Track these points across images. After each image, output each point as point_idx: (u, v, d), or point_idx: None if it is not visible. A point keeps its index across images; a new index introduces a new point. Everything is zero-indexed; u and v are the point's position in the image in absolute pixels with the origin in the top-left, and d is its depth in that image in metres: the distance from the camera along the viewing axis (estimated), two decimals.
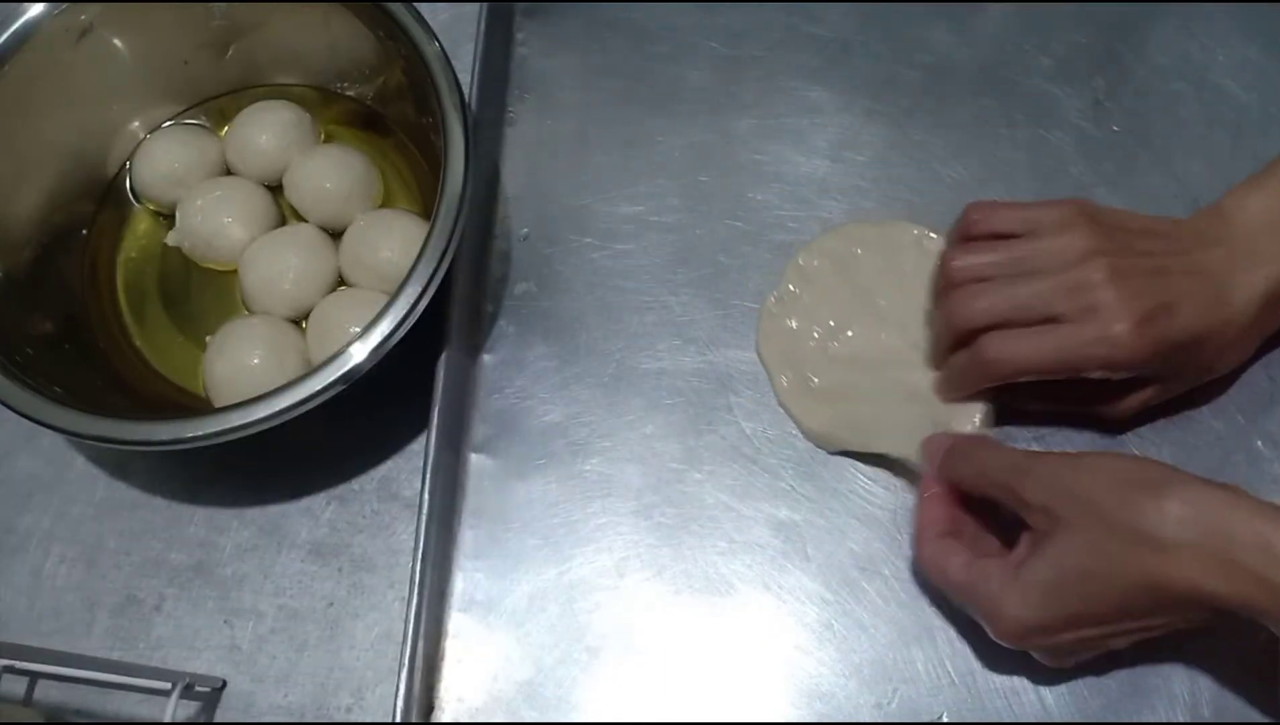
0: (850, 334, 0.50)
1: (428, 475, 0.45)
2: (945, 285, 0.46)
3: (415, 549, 0.44)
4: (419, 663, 0.43)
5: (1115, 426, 0.48)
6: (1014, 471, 0.41)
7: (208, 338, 0.50)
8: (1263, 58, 0.57)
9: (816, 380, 0.49)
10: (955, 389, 0.47)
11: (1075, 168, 0.54)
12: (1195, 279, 0.44)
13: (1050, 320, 0.43)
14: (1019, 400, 0.47)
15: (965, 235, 0.47)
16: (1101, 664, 0.44)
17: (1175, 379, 0.46)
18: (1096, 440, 0.49)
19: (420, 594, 0.43)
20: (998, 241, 0.45)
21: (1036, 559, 0.40)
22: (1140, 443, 0.48)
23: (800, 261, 0.52)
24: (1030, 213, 0.45)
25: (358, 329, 0.43)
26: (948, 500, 0.44)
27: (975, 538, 0.44)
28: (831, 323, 0.50)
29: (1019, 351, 0.43)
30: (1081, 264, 0.43)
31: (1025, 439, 0.49)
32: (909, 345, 0.49)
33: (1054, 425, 0.49)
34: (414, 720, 0.43)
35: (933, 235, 0.51)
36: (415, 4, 0.49)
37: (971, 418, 0.47)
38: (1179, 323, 0.43)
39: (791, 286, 0.51)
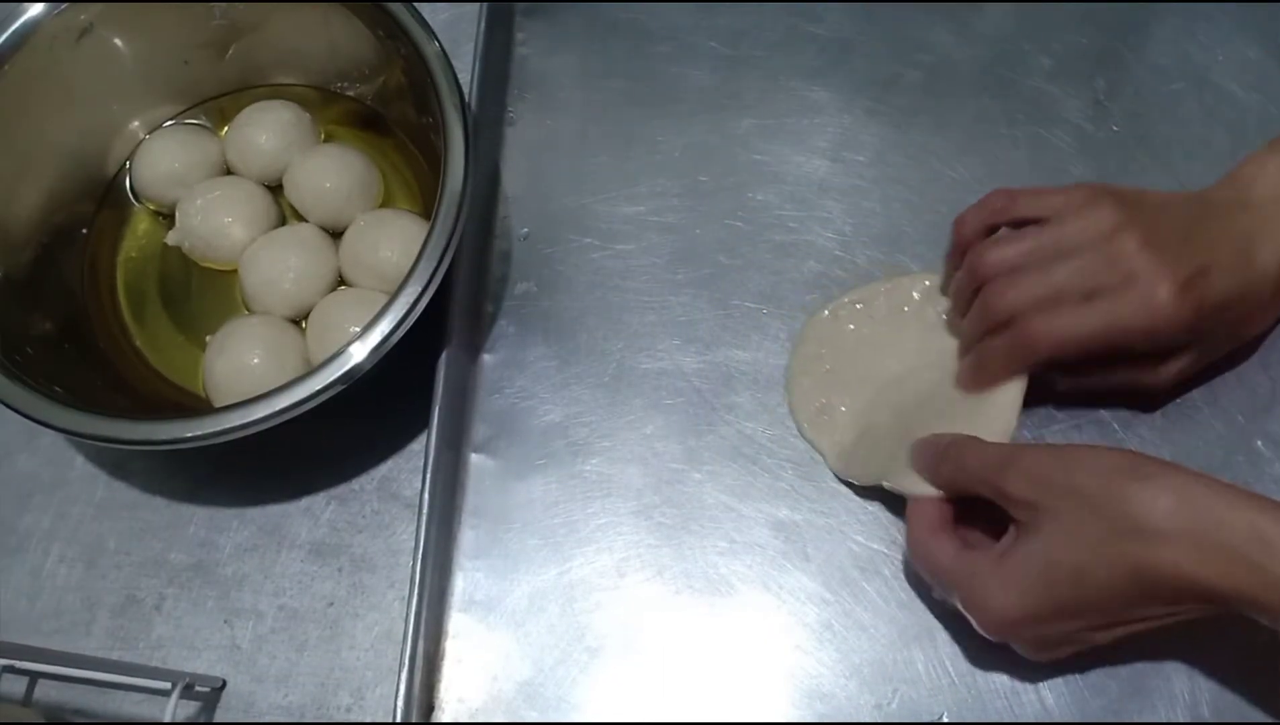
0: (869, 396, 0.49)
1: (428, 475, 0.45)
2: (978, 279, 0.45)
3: (415, 549, 0.44)
4: (419, 663, 0.43)
5: (1152, 399, 0.48)
6: (995, 467, 0.41)
7: (208, 338, 0.50)
8: (1263, 58, 0.57)
9: (849, 439, 0.48)
10: (989, 374, 0.45)
11: (1075, 167, 0.54)
12: (1224, 243, 0.43)
13: (1088, 297, 0.42)
14: (1049, 379, 0.46)
15: (988, 224, 0.47)
16: (1101, 664, 0.44)
17: (1210, 344, 0.45)
18: (1093, 439, 0.48)
19: (420, 594, 0.43)
20: (1025, 230, 0.45)
21: (1020, 549, 0.39)
22: (1140, 443, 0.48)
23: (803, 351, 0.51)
24: (1052, 199, 0.45)
25: (358, 329, 0.43)
26: (938, 497, 0.44)
27: (966, 534, 0.43)
28: (849, 395, 0.50)
29: (1063, 326, 0.43)
30: (1113, 237, 0.43)
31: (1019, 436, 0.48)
32: (929, 384, 0.48)
33: (1082, 407, 0.48)
34: (414, 720, 0.43)
35: (854, 304, 0.51)
36: (415, 4, 0.49)
37: (1004, 417, 0.45)
38: (1216, 285, 0.42)
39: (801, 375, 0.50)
